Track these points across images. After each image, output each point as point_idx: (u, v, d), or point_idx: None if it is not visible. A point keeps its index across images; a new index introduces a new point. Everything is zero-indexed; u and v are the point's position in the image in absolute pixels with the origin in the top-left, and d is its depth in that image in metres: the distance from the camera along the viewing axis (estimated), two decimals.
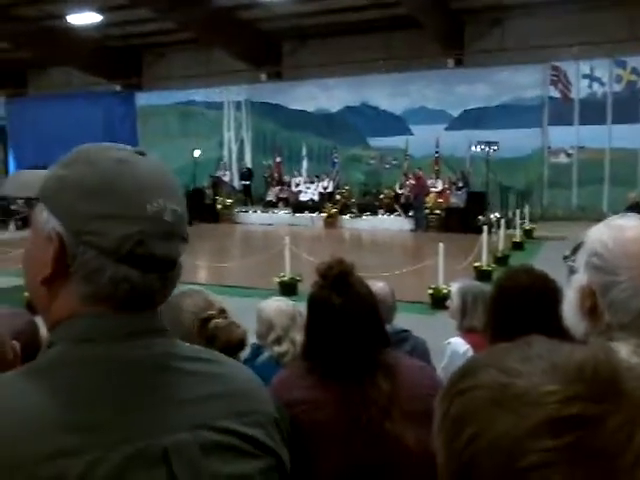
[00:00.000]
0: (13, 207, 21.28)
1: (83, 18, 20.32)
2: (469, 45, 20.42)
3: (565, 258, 1.36)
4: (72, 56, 23.11)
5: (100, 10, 19.77)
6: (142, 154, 0.88)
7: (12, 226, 20.37)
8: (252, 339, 2.93)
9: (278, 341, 2.75)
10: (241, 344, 1.65)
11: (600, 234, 1.19)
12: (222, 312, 1.67)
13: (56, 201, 0.83)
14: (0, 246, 13.02)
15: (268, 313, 2.81)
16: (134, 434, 0.79)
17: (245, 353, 2.12)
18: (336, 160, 21.21)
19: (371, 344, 1.58)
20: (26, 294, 1.07)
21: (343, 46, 21.03)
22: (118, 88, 25.56)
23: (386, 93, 21.38)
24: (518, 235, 14.30)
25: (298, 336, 2.55)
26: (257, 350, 2.78)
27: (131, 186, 0.83)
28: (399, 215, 18.86)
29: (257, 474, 0.88)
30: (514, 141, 18.60)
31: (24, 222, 20.18)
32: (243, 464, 0.87)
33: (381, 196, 19.65)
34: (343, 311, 1.56)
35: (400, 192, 19.42)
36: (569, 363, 0.57)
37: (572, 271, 1.24)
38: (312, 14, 19.83)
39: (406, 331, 3.04)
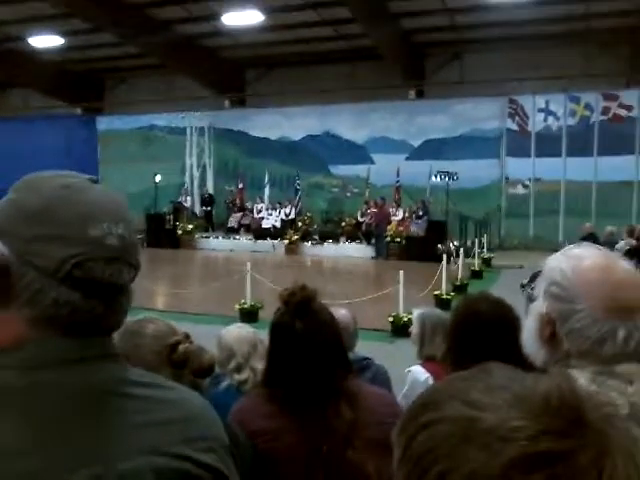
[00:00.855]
0: None
1: (45, 41, 20.12)
2: (430, 77, 20.92)
3: (523, 286, 1.39)
4: (32, 79, 22.84)
5: (62, 34, 19.63)
6: (94, 182, 0.90)
7: None
8: None
9: (238, 369, 2.70)
10: (211, 368, 1.63)
11: (559, 263, 1.21)
12: (187, 337, 1.65)
13: (2, 224, 0.85)
14: None
15: (228, 340, 2.77)
16: (90, 459, 0.79)
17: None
18: (298, 187, 21.30)
19: (334, 371, 1.57)
20: None
21: (307, 75, 21.34)
22: (79, 112, 25.29)
23: (349, 122, 21.69)
24: (477, 264, 14.50)
25: (259, 364, 2.51)
26: (217, 378, 2.73)
27: (73, 210, 0.84)
28: (360, 243, 18.98)
29: None
30: (473, 171, 19.03)
31: None
32: None
33: (343, 224, 19.77)
34: (306, 337, 1.55)
35: (362, 220, 19.57)
36: (534, 395, 0.56)
37: (531, 299, 1.26)
38: (276, 43, 20.06)
39: (367, 359, 3.02)
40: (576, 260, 1.20)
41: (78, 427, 0.81)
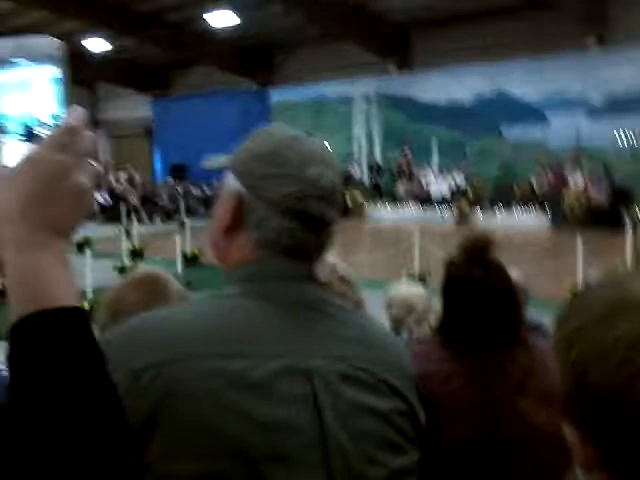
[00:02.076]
0: (159, 203, 22.78)
1: (220, 19, 21.26)
2: (614, 23, 18.92)
3: None
4: (211, 57, 24.31)
5: (235, 9, 20.58)
6: (311, 135, 1.10)
7: (158, 219, 21.80)
8: None
9: (418, 322, 2.76)
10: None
11: None
12: (342, 280, 1.86)
13: (238, 165, 1.05)
14: (148, 237, 13.98)
15: (407, 295, 2.85)
16: (285, 353, 0.94)
17: None
18: (468, 153, 20.62)
19: (510, 317, 1.55)
20: None
21: (475, 33, 20.34)
22: (254, 86, 26.51)
23: (522, 80, 20.32)
24: None
25: (433, 320, 2.54)
26: (394, 332, 2.79)
27: (296, 154, 1.02)
28: (536, 210, 18.02)
29: (390, 412, 0.99)
30: None
31: (168, 216, 21.54)
32: (377, 400, 0.98)
33: (516, 190, 18.85)
34: (484, 284, 1.54)
35: (537, 186, 18.54)
36: None
37: None
38: (441, 1, 19.36)
39: (538, 324, 2.91)
40: None
41: (278, 327, 0.96)
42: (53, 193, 0.68)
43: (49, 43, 0.70)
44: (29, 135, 0.71)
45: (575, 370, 0.58)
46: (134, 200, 21.45)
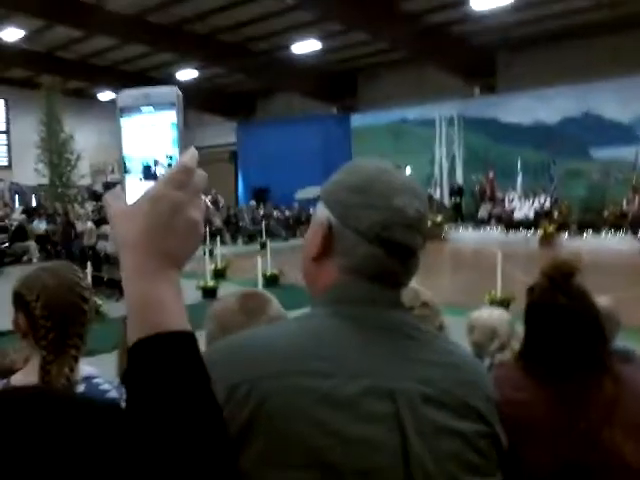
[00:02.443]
0: (242, 225, 23.36)
1: (304, 46, 21.74)
2: None
3: None
4: (293, 83, 24.85)
5: (319, 38, 21.02)
6: (399, 167, 1.14)
7: (240, 241, 22.33)
8: None
9: (501, 348, 2.71)
10: None
11: None
12: (424, 305, 1.88)
13: (329, 195, 1.09)
14: (231, 258, 14.34)
15: (490, 321, 2.79)
16: (369, 373, 0.97)
17: None
18: (553, 174, 20.00)
19: (596, 346, 1.51)
20: None
21: (562, 53, 19.88)
22: (335, 111, 26.86)
23: (612, 100, 19.63)
24: None
25: (517, 345, 2.49)
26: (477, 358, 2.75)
27: (384, 185, 1.06)
28: (626, 234, 17.21)
29: (473, 435, 1.00)
30: None
31: (250, 237, 22.03)
32: (460, 422, 1.00)
33: (605, 213, 18.09)
34: (568, 311, 1.51)
35: (628, 209, 17.72)
36: None
37: None
38: (526, 23, 19.08)
39: (630, 350, 2.78)
40: None
41: (364, 347, 0.99)
42: (171, 226, 0.75)
43: (170, 91, 0.79)
44: (148, 174, 0.78)
45: None
46: (218, 222, 22.07)
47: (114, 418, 0.74)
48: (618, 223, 17.54)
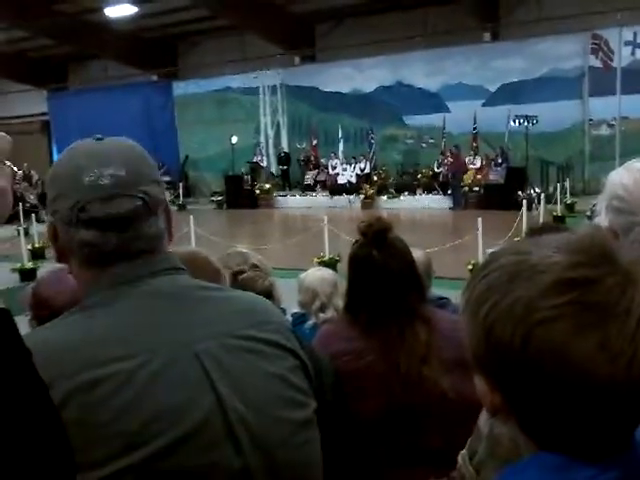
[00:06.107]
0: None
1: (119, 10, 20.58)
2: (505, 17, 19.95)
3: (589, 217, 1.39)
4: (109, 49, 23.46)
5: (135, 2, 20.01)
6: (99, 139, 1.05)
7: None
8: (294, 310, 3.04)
9: (322, 308, 2.85)
10: (267, 294, 1.79)
11: (620, 177, 1.21)
12: (254, 267, 1.82)
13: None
14: None
15: (311, 282, 2.92)
16: (171, 344, 0.97)
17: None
18: (372, 141, 21.08)
19: (409, 296, 1.67)
20: None
21: (378, 25, 20.75)
22: (155, 78, 25.85)
23: (422, 70, 21.06)
24: (559, 210, 14.05)
25: (341, 303, 2.63)
26: (302, 317, 2.88)
27: (69, 167, 1.01)
28: (438, 194, 18.71)
29: (284, 371, 1.03)
30: (554, 114, 18.17)
31: None
32: (267, 364, 1.02)
33: (419, 175, 19.50)
34: (383, 265, 1.65)
35: (438, 171, 19.24)
36: (570, 240, 0.68)
37: (590, 217, 1.27)
38: None
39: (445, 298, 3.06)
40: (638, 173, 1.19)
41: (153, 325, 0.98)
42: None
43: None
44: None
45: (483, 326, 0.66)
46: (32, 199, 20.47)
47: None
48: (430, 184, 18.99)
